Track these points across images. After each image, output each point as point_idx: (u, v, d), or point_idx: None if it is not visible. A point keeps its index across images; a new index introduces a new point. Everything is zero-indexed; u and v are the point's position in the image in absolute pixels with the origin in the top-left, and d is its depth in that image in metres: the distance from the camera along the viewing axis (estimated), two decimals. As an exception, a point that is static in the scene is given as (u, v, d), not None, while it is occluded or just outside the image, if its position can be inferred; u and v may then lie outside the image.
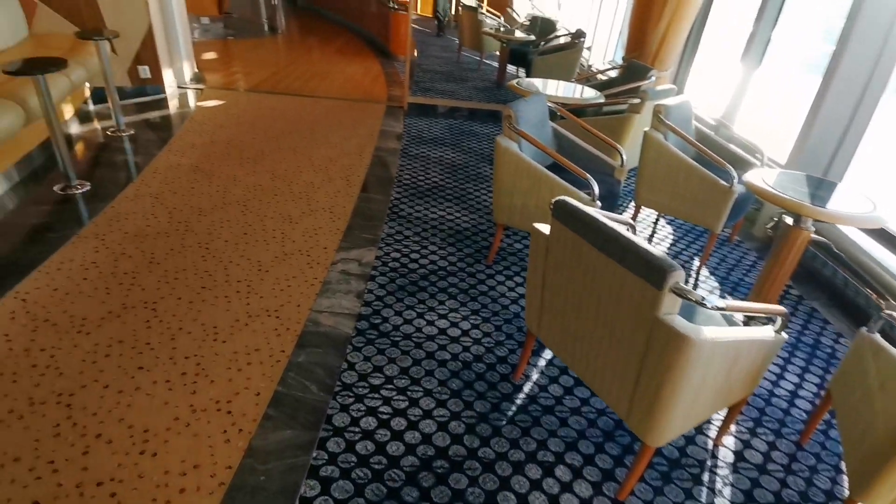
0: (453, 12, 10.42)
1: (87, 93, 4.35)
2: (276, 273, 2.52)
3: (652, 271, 1.24)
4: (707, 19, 4.78)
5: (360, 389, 1.90)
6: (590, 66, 6.95)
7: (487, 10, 9.20)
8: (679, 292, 1.24)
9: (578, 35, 5.92)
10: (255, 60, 6.89)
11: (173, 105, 4.82)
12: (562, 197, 1.54)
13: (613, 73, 5.08)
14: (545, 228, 1.67)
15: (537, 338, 1.87)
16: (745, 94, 4.01)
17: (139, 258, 2.51)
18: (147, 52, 4.73)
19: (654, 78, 4.08)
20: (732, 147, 3.16)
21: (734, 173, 2.64)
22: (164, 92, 4.95)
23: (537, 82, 4.07)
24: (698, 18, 4.63)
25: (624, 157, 2.83)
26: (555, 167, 2.55)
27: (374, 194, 3.46)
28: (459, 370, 2.05)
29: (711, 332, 1.29)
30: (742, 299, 2.76)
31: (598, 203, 2.34)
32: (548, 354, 2.20)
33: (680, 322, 1.25)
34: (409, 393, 1.91)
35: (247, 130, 4.30)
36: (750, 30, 3.91)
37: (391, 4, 7.45)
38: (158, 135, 4.05)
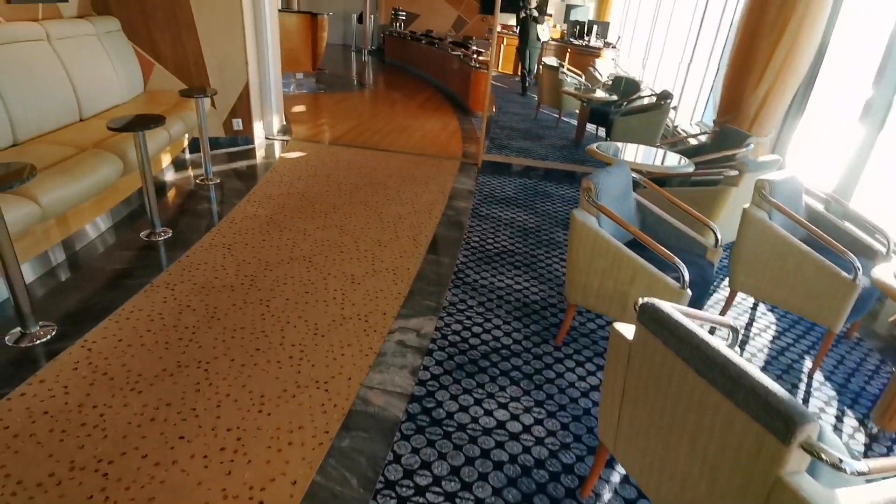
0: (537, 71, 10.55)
1: (186, 142, 4.69)
2: (332, 339, 2.42)
3: (775, 417, 0.97)
4: (816, 78, 4.38)
5: (405, 489, 1.70)
6: (675, 128, 6.62)
7: (568, 69, 9.20)
8: (811, 450, 0.95)
9: (664, 96, 5.68)
10: (340, 113, 7.24)
11: (260, 155, 5.08)
12: (649, 300, 1.31)
13: (703, 138, 4.75)
14: (627, 330, 1.43)
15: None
16: (863, 163, 3.55)
17: (202, 312, 2.52)
18: (242, 106, 5.07)
19: (752, 146, 3.73)
20: (849, 227, 2.75)
21: (858, 263, 2.25)
22: (253, 142, 5.26)
23: (619, 146, 3.86)
24: (806, 78, 4.25)
25: (719, 236, 2.53)
26: (638, 244, 2.30)
27: (440, 256, 3.35)
28: (518, 477, 1.80)
29: (850, 500, 0.98)
30: (866, 416, 2.29)
31: (689, 292, 2.05)
32: (623, 469, 1.89)
33: (810, 488, 0.96)
34: (457, 501, 1.68)
35: (322, 183, 4.40)
36: (869, 91, 3.50)
37: (472, 63, 7.63)
38: (242, 184, 4.24)
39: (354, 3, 15.31)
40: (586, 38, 10.50)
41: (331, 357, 2.29)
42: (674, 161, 3.65)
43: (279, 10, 8.95)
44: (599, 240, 2.23)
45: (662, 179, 3.51)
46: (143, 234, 3.19)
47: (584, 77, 8.63)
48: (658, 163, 3.59)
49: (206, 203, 3.83)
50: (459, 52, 8.76)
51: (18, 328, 2.22)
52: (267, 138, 5.51)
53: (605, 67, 9.04)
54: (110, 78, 3.94)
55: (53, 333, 2.24)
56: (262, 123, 5.39)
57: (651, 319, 1.28)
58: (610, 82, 6.92)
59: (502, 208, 4.29)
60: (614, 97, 6.24)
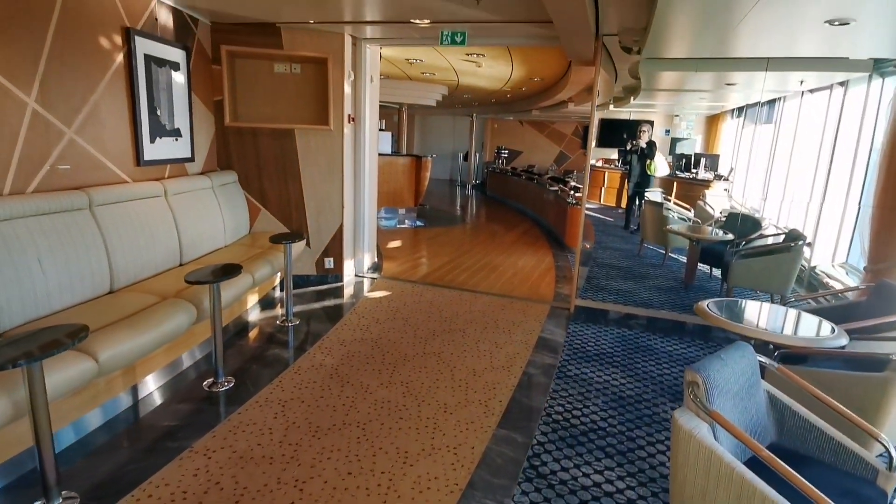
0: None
1: (277, 280, 4.86)
2: (361, 551, 1.96)
3: None
4: None
5: None
6: (813, 270, 5.67)
7: (675, 202, 8.71)
8: None
9: (795, 237, 4.92)
10: (433, 249, 7.33)
11: (347, 293, 5.11)
12: None
13: (851, 294, 3.89)
14: None
15: None
16: None
17: (228, 493, 2.22)
18: (334, 246, 5.25)
19: (927, 311, 2.89)
20: None
21: None
22: (342, 280, 5.34)
23: (738, 305, 3.22)
24: None
25: (893, 453, 1.77)
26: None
27: (512, 432, 2.82)
28: None
29: None
30: None
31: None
32: None
33: None
34: None
35: (399, 328, 4.20)
36: None
37: (569, 199, 7.49)
38: (320, 326, 4.17)
39: (462, 143, 16.64)
40: (693, 171, 10.06)
41: (354, 582, 1.82)
42: (812, 326, 2.91)
43: (389, 154, 9.86)
44: (715, 460, 1.63)
45: (802, 354, 2.76)
46: (205, 384, 3.11)
47: (692, 212, 8.07)
48: (792, 330, 2.88)
49: (278, 348, 3.76)
50: (557, 188, 8.76)
51: (42, 500, 2.07)
52: (357, 275, 5.60)
53: (716, 200, 8.41)
54: (216, 224, 4.28)
55: (73, 508, 2.06)
56: (352, 262, 5.52)
57: None
58: (724, 218, 6.28)
59: (595, 367, 3.70)
60: (730, 236, 5.58)
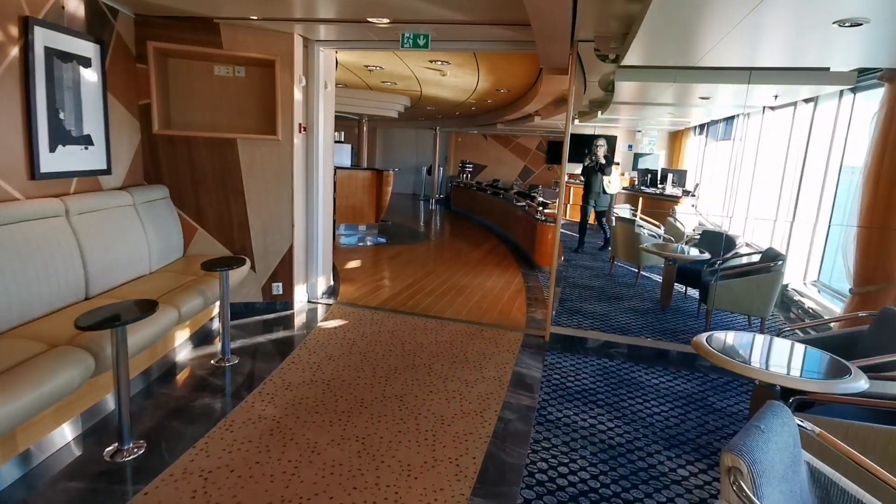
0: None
1: (216, 310, 4.23)
2: None
3: None
4: None
5: None
6: (786, 288, 5.49)
7: (642, 218, 8.53)
8: None
9: (773, 256, 4.70)
10: (395, 269, 6.82)
11: (298, 322, 4.53)
12: None
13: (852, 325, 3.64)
14: None
15: None
16: None
17: None
18: (284, 270, 4.67)
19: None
20: None
21: None
22: (292, 307, 4.76)
23: (739, 340, 2.87)
24: None
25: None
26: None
27: (490, 501, 2.34)
28: None
29: None
30: None
31: None
32: None
33: None
34: None
35: (356, 364, 3.67)
36: None
37: (537, 216, 7.15)
38: (262, 366, 3.60)
39: (425, 157, 16.25)
40: (660, 186, 9.98)
41: None
42: (821, 364, 2.58)
43: (349, 167, 9.31)
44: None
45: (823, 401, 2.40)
46: (107, 453, 2.49)
47: (662, 228, 7.89)
48: (799, 369, 2.54)
49: (209, 396, 3.16)
50: (524, 203, 8.43)
51: None
52: (310, 301, 5.03)
53: (686, 217, 8.27)
54: (138, 248, 3.65)
55: None
56: (304, 286, 4.95)
57: None
58: (698, 236, 6.06)
59: (577, 407, 3.27)
60: (706, 255, 5.34)
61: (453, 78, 6.80)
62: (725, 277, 4.66)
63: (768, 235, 6.33)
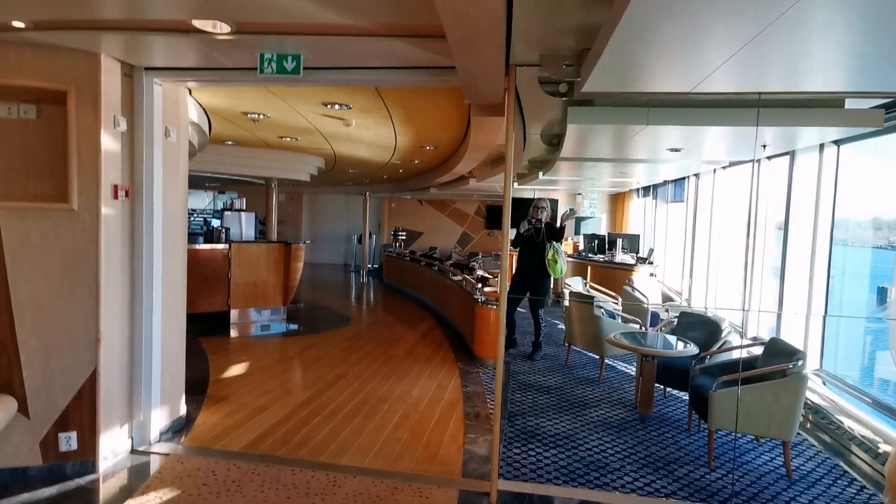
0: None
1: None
2: None
3: None
4: None
5: None
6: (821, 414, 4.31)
7: (594, 287, 7.41)
8: None
9: (787, 353, 3.52)
10: (296, 373, 5.18)
11: (106, 493, 2.82)
12: None
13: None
14: None
15: None
16: None
17: None
18: (79, 410, 2.97)
19: None
20: None
21: None
22: (96, 470, 3.02)
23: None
24: None
25: None
26: None
27: None
28: None
29: None
30: None
31: None
32: None
33: None
34: None
35: None
36: None
37: (476, 296, 5.81)
38: None
39: (357, 224, 14.90)
40: (609, 253, 9.03)
41: None
42: None
43: (250, 241, 7.73)
44: None
45: None
46: None
47: (619, 300, 6.75)
48: None
49: None
50: (460, 278, 7.11)
51: None
52: (134, 452, 3.29)
53: (645, 286, 7.22)
54: None
55: None
56: (124, 430, 3.23)
57: None
58: (675, 320, 4.88)
59: None
60: (693, 348, 4.13)
61: (364, 130, 5.56)
62: (728, 384, 3.41)
63: (753, 313, 5.29)
